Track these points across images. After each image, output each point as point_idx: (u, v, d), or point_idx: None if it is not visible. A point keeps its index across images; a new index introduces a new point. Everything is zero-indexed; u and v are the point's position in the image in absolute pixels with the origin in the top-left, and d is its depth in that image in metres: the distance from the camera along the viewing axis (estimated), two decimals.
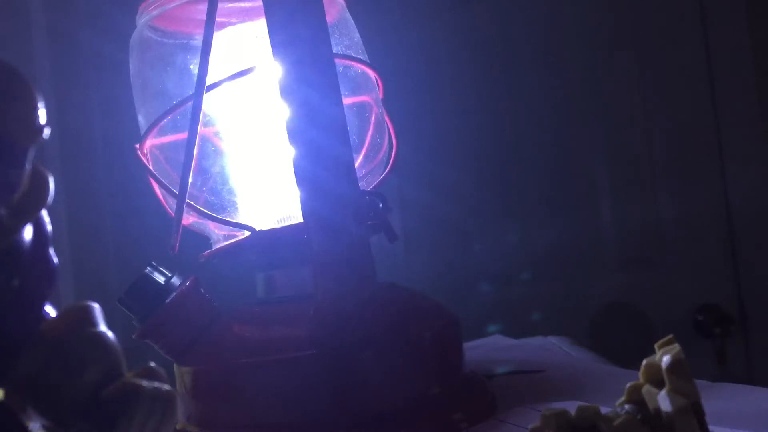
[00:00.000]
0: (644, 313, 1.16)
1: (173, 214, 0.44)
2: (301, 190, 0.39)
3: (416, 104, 1.08)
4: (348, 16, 0.50)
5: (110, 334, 0.49)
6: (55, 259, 0.40)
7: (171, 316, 0.43)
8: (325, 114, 0.39)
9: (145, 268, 0.44)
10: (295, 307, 0.43)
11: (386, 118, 0.50)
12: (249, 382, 0.42)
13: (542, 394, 0.46)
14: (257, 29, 0.47)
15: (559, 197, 1.17)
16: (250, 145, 0.48)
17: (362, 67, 0.49)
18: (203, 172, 0.47)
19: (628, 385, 0.29)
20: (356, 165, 0.43)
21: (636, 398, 0.29)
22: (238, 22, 0.47)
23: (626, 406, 0.29)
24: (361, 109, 0.49)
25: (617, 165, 1.19)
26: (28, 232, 0.34)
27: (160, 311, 0.43)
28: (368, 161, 0.49)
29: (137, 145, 0.47)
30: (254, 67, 0.44)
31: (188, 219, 0.46)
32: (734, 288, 1.18)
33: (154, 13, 0.47)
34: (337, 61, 0.42)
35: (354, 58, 0.48)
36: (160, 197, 0.48)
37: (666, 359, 0.28)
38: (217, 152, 0.48)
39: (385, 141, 0.49)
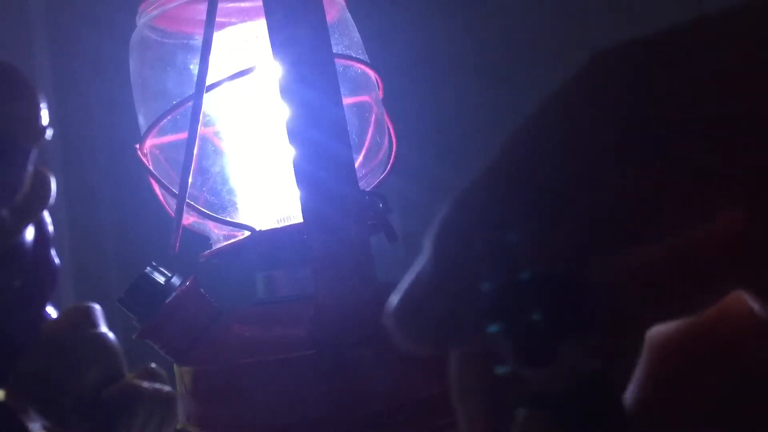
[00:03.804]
0: None
1: (173, 214, 0.44)
2: (301, 190, 0.39)
3: (416, 104, 1.08)
4: (348, 16, 0.50)
5: (111, 334, 0.49)
6: (57, 260, 0.40)
7: (171, 316, 0.43)
8: (325, 114, 0.39)
9: (145, 268, 0.44)
10: (295, 307, 0.43)
11: (386, 118, 0.50)
12: (249, 382, 0.42)
13: None
14: (257, 29, 0.47)
15: None
16: (250, 145, 0.48)
17: (362, 67, 0.49)
18: (203, 172, 0.47)
19: None
20: (356, 165, 0.43)
21: None
22: (238, 22, 0.47)
23: None
24: (361, 109, 0.49)
25: None
26: (30, 233, 0.34)
27: (160, 311, 0.43)
28: (368, 161, 0.49)
29: (137, 145, 0.47)
30: (254, 67, 0.44)
31: (188, 219, 0.46)
32: None
33: (154, 13, 0.47)
34: (337, 61, 0.42)
35: (354, 58, 0.48)
36: (160, 197, 0.48)
37: None
38: (217, 152, 0.48)
39: (385, 141, 0.49)
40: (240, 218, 0.47)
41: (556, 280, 0.15)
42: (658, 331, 0.18)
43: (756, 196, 0.15)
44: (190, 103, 0.43)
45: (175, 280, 0.44)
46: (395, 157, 0.50)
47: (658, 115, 0.15)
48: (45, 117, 0.29)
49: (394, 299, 0.17)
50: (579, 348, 0.15)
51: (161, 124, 0.47)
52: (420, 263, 0.16)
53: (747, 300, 0.17)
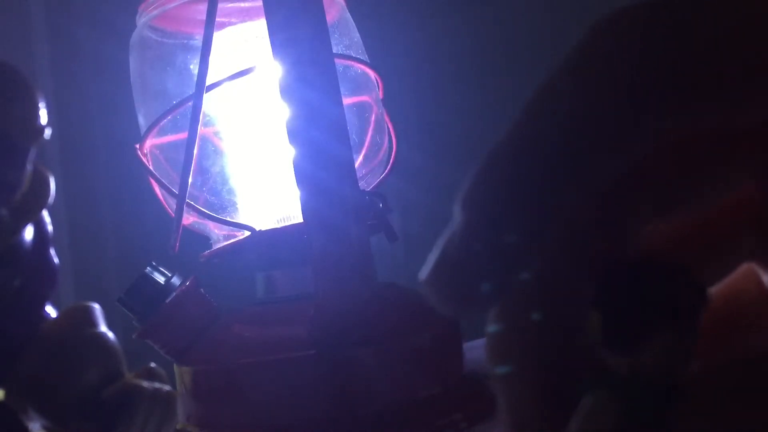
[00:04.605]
0: None
1: (173, 214, 0.44)
2: (301, 190, 0.39)
3: (416, 104, 1.08)
4: (348, 16, 0.50)
5: (110, 334, 0.49)
6: (56, 260, 0.40)
7: (171, 316, 0.43)
8: (325, 114, 0.39)
9: (145, 268, 0.44)
10: (295, 307, 0.43)
11: (386, 118, 0.50)
12: (249, 382, 0.42)
13: None
14: (257, 29, 0.47)
15: None
16: (250, 145, 0.48)
17: (362, 67, 0.49)
18: (203, 172, 0.47)
19: None
20: (356, 165, 0.43)
21: None
22: (238, 22, 0.47)
23: None
24: (361, 109, 0.49)
25: None
26: (29, 233, 0.34)
27: (160, 311, 0.43)
28: (368, 161, 0.49)
29: (137, 145, 0.47)
30: (254, 67, 0.44)
31: (188, 219, 0.46)
32: None
33: (154, 13, 0.47)
34: (337, 61, 0.42)
35: (354, 58, 0.48)
36: (160, 197, 0.48)
37: None
38: (217, 152, 0.48)
39: (385, 141, 0.49)
40: (240, 218, 0.47)
41: (663, 270, 0.15)
42: None
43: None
44: (190, 103, 0.43)
45: (175, 280, 0.44)
46: (395, 157, 0.50)
47: (671, 75, 0.15)
48: (44, 116, 0.29)
49: (429, 262, 0.17)
50: (672, 341, 0.15)
51: (161, 124, 0.47)
52: (451, 227, 0.16)
53: (758, 274, 0.17)
